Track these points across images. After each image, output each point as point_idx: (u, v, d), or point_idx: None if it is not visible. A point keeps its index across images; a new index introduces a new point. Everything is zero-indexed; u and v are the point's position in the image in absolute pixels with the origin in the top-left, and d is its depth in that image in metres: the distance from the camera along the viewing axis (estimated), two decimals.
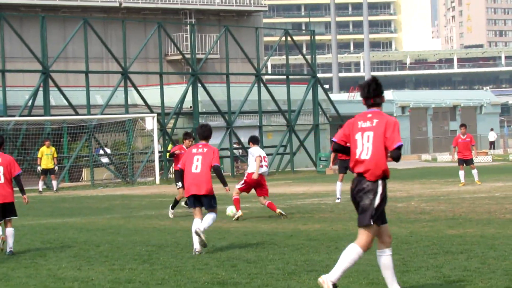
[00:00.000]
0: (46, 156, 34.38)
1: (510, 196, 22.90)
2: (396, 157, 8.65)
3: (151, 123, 39.97)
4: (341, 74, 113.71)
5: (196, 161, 13.57)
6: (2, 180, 13.94)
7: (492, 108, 72.09)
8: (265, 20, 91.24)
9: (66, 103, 39.45)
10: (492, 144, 69.04)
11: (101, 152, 41.64)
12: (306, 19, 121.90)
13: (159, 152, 40.38)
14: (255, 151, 18.97)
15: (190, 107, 44.85)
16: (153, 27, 45.22)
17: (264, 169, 18.86)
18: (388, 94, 62.32)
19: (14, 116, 38.35)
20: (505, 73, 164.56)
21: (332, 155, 23.87)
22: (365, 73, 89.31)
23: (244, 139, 40.01)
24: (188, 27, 53.20)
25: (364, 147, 8.72)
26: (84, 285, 10.56)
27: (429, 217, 17.65)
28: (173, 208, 20.35)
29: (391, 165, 9.83)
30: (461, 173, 29.00)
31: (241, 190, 18.96)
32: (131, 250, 13.89)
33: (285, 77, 49.01)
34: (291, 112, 47.34)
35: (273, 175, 42.50)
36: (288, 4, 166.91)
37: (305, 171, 47.02)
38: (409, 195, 24.73)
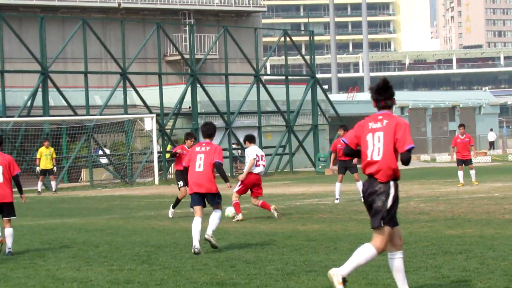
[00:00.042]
0: (45, 157, 34.32)
1: (509, 196, 22.88)
2: (406, 160, 8.53)
3: (150, 123, 39.95)
4: (340, 75, 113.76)
5: (199, 160, 13.65)
6: (1, 180, 13.89)
7: (491, 108, 72.16)
8: (264, 21, 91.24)
9: (65, 104, 39.44)
10: (491, 145, 69.03)
11: (100, 152, 41.63)
12: (305, 20, 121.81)
13: (158, 152, 40.36)
14: (251, 151, 18.79)
15: (189, 107, 44.84)
16: (152, 27, 45.22)
17: (261, 168, 18.79)
18: None
19: (13, 116, 38.33)
20: (504, 74, 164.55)
21: (332, 155, 23.72)
22: (364, 74, 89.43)
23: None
24: (187, 28, 53.16)
25: (375, 148, 8.68)
26: (83, 286, 10.55)
27: (428, 218, 17.65)
28: (174, 207, 20.38)
29: None
30: (460, 173, 29.01)
31: (239, 192, 18.90)
32: (130, 250, 13.89)
33: (284, 77, 49.01)
34: (290, 113, 47.32)
35: (272, 176, 42.50)
36: (287, 5, 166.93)
37: (304, 171, 47.01)
38: (408, 195, 24.68)
